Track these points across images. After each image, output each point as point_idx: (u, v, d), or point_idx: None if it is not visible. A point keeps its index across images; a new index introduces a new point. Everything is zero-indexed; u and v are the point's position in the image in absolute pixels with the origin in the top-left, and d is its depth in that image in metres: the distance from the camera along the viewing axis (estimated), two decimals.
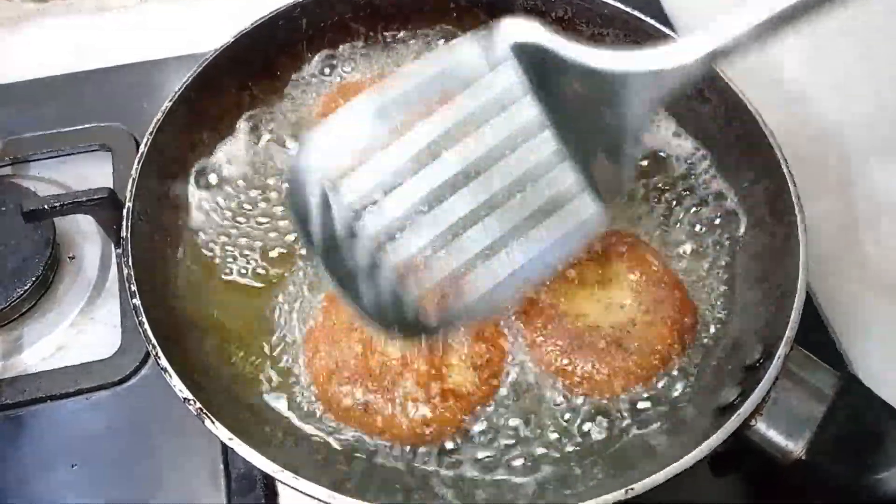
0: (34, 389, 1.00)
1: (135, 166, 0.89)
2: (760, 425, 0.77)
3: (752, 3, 0.59)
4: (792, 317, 0.80)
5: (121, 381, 1.01)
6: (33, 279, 1.06)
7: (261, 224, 0.99)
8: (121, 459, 0.97)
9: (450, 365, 0.85)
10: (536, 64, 0.68)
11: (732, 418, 0.75)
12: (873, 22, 1.15)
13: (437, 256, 0.70)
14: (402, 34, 1.15)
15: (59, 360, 1.04)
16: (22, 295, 1.05)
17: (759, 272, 0.92)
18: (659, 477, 0.72)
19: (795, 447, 0.77)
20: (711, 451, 0.74)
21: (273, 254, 0.97)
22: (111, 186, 1.09)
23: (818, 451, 0.77)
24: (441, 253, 0.70)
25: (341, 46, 1.14)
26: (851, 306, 1.09)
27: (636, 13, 1.05)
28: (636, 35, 1.06)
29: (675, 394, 0.86)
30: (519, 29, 0.68)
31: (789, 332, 0.80)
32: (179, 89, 0.95)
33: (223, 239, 0.97)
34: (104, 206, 1.03)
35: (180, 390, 0.76)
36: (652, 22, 1.04)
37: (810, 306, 0.82)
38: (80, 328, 1.07)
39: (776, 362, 0.78)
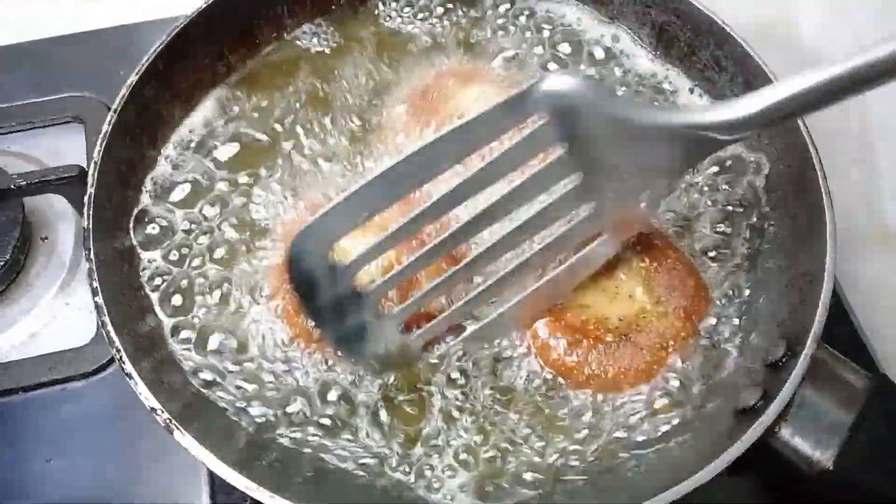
0: (6, 379, 0.96)
1: (97, 149, 0.83)
2: (784, 432, 0.72)
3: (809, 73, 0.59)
4: (819, 311, 0.74)
5: (97, 371, 0.97)
6: (2, 262, 1.02)
7: (238, 206, 0.92)
8: (98, 453, 0.93)
9: None
10: (570, 114, 0.67)
11: (754, 426, 0.69)
12: None
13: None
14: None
15: (33, 348, 1.00)
16: None
17: (782, 259, 0.86)
18: (670, 494, 0.66)
19: (823, 457, 0.71)
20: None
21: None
22: (84, 161, 1.07)
23: (848, 461, 0.71)
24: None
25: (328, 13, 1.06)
26: (876, 291, 1.04)
27: None
28: None
29: (690, 393, 0.80)
30: (558, 82, 0.67)
31: (816, 328, 0.74)
32: (146, 61, 0.89)
33: (196, 225, 0.91)
34: (75, 184, 1.00)
35: (146, 398, 0.71)
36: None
37: (834, 295, 0.75)
38: (55, 314, 1.04)
39: (802, 361, 0.72)
